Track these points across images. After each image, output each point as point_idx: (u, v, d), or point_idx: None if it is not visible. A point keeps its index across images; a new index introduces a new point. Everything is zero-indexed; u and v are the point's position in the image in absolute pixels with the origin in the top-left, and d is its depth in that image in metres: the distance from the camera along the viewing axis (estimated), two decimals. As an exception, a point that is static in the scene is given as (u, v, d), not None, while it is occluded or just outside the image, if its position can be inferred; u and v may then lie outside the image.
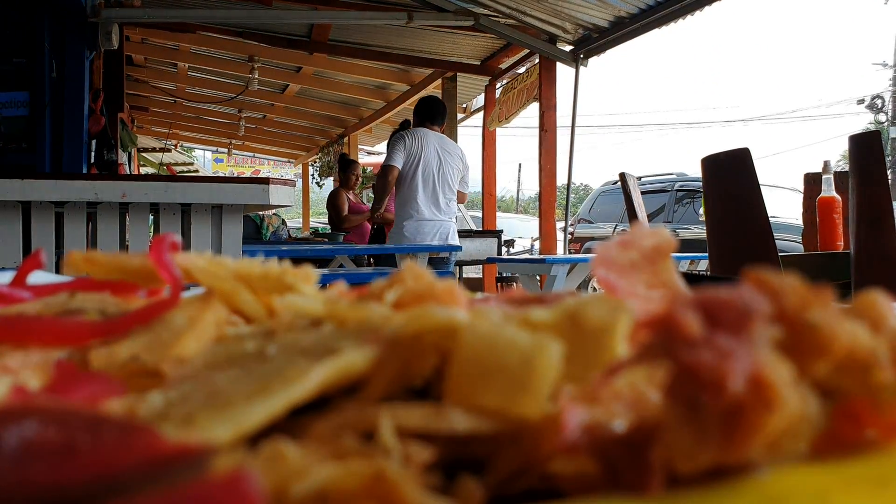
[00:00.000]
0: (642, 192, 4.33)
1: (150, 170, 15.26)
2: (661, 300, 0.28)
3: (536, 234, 9.03)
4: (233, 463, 0.22)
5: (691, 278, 1.78)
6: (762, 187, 2.64)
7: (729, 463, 0.24)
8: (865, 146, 2.57)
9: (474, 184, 8.70)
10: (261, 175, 16.96)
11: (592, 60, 7.15)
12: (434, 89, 9.65)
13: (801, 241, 3.88)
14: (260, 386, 0.26)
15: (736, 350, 0.24)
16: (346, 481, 0.22)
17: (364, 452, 0.24)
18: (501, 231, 8.02)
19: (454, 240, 5.81)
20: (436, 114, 5.79)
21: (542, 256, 6.80)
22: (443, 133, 5.84)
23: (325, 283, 0.44)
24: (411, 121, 6.01)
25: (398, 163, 5.59)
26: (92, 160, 6.42)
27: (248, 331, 0.37)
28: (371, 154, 15.64)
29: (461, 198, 5.99)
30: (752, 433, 0.24)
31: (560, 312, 0.28)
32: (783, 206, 8.73)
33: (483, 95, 9.41)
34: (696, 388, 0.24)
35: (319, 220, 17.57)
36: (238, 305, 0.40)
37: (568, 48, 7.23)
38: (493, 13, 6.98)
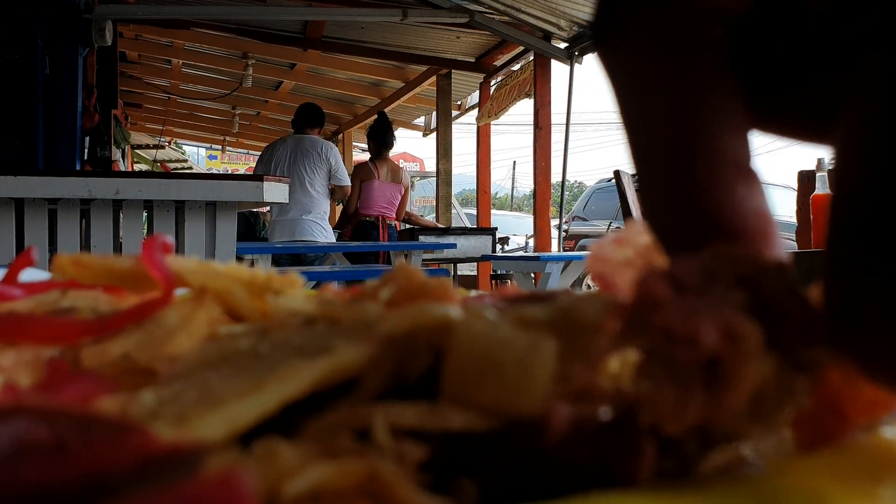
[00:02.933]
0: (637, 190, 4.32)
1: (144, 167, 15.23)
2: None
3: (531, 232, 9.05)
4: (225, 462, 0.21)
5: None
6: (756, 185, 2.64)
7: (717, 422, 0.25)
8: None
9: (470, 182, 8.78)
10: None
11: (587, 58, 7.16)
12: (429, 86, 9.67)
13: (794, 238, 3.89)
14: (253, 384, 0.26)
15: (704, 308, 0.25)
16: (339, 480, 0.22)
17: (358, 451, 0.24)
18: (496, 228, 8.02)
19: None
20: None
21: (536, 254, 6.81)
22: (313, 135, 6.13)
23: (319, 280, 0.44)
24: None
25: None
26: (86, 157, 6.40)
27: (241, 329, 0.37)
28: (365, 151, 15.65)
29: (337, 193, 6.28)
30: (732, 384, 0.24)
31: (555, 310, 0.28)
32: (777, 204, 8.76)
33: (478, 93, 9.42)
34: (672, 347, 0.24)
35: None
36: (231, 304, 0.40)
37: (563, 45, 7.23)
38: (487, 10, 6.98)
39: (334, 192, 6.21)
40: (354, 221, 6.83)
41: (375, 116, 7.59)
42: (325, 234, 6.04)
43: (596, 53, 0.30)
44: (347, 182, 6.27)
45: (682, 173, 0.28)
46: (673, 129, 0.27)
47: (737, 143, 0.28)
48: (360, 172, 6.80)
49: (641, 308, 0.26)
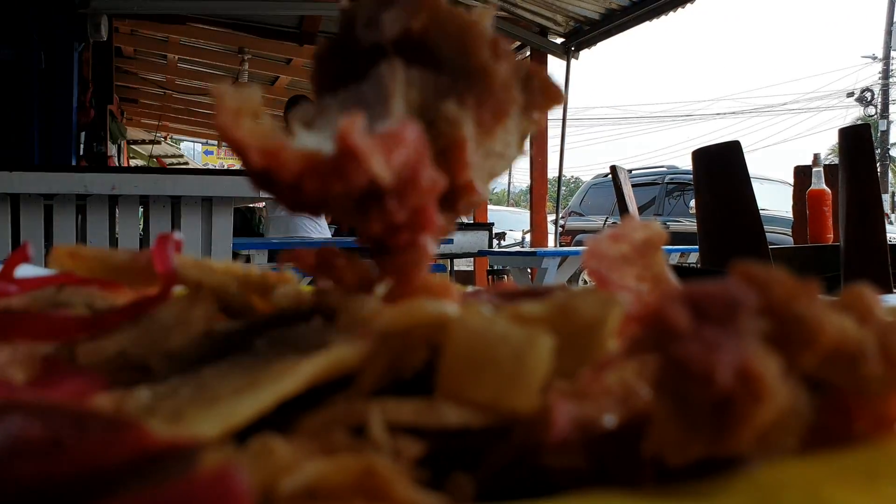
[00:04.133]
0: (633, 186, 4.33)
1: (140, 162, 15.20)
2: (651, 294, 0.27)
3: (527, 227, 9.05)
4: (220, 458, 0.21)
5: (681, 271, 1.78)
6: (753, 180, 2.64)
7: (719, 455, 0.24)
8: (855, 139, 2.58)
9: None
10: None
11: (584, 53, 7.15)
12: (425, 82, 9.65)
13: (791, 233, 3.89)
14: (248, 380, 0.26)
15: (724, 342, 0.24)
16: (335, 476, 0.22)
17: (354, 447, 0.24)
18: (492, 224, 8.01)
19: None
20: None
21: (533, 249, 6.81)
22: None
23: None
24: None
25: None
26: (81, 152, 6.39)
27: (237, 325, 0.37)
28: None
29: None
30: (741, 425, 0.23)
31: (551, 306, 0.28)
32: (773, 199, 8.77)
33: (474, 88, 9.40)
34: (685, 381, 0.24)
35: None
36: (227, 300, 0.40)
37: (559, 41, 7.22)
38: (484, 5, 6.96)
39: None
40: None
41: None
42: (320, 230, 6.03)
43: None
44: None
45: None
46: None
47: None
48: None
49: (659, 335, 0.25)
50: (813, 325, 0.26)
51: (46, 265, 0.47)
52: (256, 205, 7.58)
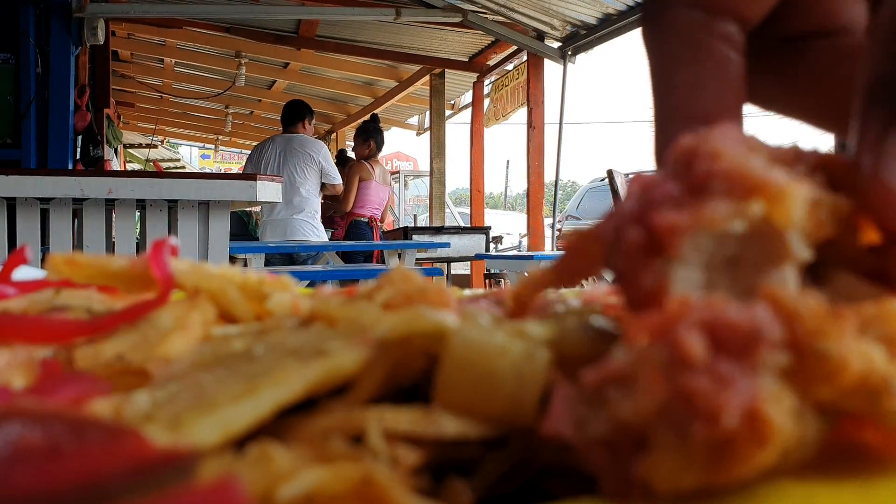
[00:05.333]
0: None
1: (136, 166, 15.18)
2: (665, 306, 0.26)
3: (524, 231, 9.05)
4: (219, 467, 0.21)
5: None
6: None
7: (710, 488, 0.23)
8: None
9: (463, 181, 8.79)
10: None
11: (580, 57, 7.16)
12: (422, 86, 9.67)
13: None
14: (247, 387, 0.26)
15: (736, 380, 0.22)
16: (333, 484, 0.22)
17: (352, 455, 0.24)
18: (489, 227, 8.03)
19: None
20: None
21: (530, 253, 6.82)
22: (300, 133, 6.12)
23: (312, 279, 0.44)
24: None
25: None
26: (78, 156, 6.38)
27: (235, 330, 0.37)
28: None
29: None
30: (738, 465, 0.23)
31: (555, 330, 0.28)
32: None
33: (471, 92, 9.41)
34: (689, 415, 0.22)
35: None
36: (225, 306, 0.40)
37: (556, 45, 7.23)
38: (481, 10, 6.98)
39: (324, 189, 6.16)
40: (349, 221, 6.81)
41: (368, 117, 7.58)
42: (317, 233, 6.02)
43: (640, 30, 0.38)
44: (339, 180, 6.23)
45: (682, 115, 0.35)
46: (680, 96, 0.35)
47: (726, 111, 0.35)
48: (360, 171, 6.76)
49: (669, 361, 0.23)
50: (837, 362, 0.24)
51: (43, 268, 0.47)
52: (252, 209, 7.57)
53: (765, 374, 0.23)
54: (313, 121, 6.36)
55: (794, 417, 0.23)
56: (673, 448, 0.23)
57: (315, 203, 6.09)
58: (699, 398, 0.22)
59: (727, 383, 0.22)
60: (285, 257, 5.96)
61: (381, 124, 7.10)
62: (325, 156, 6.09)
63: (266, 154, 5.97)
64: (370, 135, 6.93)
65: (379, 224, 6.95)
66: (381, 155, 7.14)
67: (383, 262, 6.28)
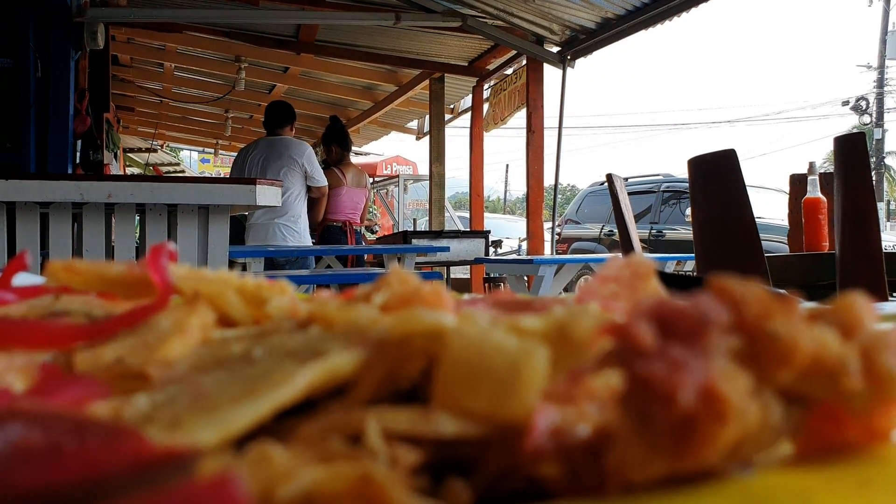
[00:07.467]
0: (629, 193, 4.34)
1: (136, 170, 15.19)
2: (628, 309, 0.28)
3: (524, 235, 9.05)
4: (219, 466, 0.22)
5: (677, 279, 1.78)
6: (748, 188, 2.65)
7: (683, 471, 0.24)
8: (850, 148, 2.59)
9: (462, 185, 8.78)
10: (248, 175, 16.88)
11: (579, 61, 7.17)
12: (422, 90, 9.67)
13: (786, 241, 3.90)
14: (246, 388, 0.26)
15: (688, 362, 0.24)
16: (332, 484, 0.22)
17: (351, 455, 0.24)
18: (489, 232, 8.03)
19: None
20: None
21: (529, 257, 6.83)
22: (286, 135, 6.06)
23: (312, 283, 0.44)
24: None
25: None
26: (77, 160, 6.38)
27: (234, 333, 0.37)
28: (358, 154, 15.62)
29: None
30: (703, 445, 0.24)
31: (550, 322, 0.28)
32: (769, 207, 8.78)
33: (471, 96, 9.42)
34: (648, 400, 0.24)
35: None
36: (224, 309, 0.40)
37: (555, 49, 7.24)
38: (480, 14, 6.99)
39: (310, 191, 6.08)
40: (321, 227, 6.72)
41: (367, 121, 7.53)
42: (298, 238, 5.91)
43: None
44: (323, 182, 6.11)
45: None
46: None
47: None
48: (330, 179, 6.63)
49: (625, 351, 0.25)
50: (787, 342, 0.25)
51: (43, 273, 0.47)
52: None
53: (717, 355, 0.24)
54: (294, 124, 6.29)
55: (752, 397, 0.24)
56: (638, 435, 0.24)
57: (298, 207, 5.99)
58: (654, 381, 0.24)
59: (680, 366, 0.24)
60: (265, 262, 5.89)
61: (342, 126, 6.99)
62: (308, 158, 6.00)
63: (250, 158, 5.91)
64: (331, 139, 6.80)
65: (356, 228, 6.88)
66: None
67: (362, 265, 6.27)
